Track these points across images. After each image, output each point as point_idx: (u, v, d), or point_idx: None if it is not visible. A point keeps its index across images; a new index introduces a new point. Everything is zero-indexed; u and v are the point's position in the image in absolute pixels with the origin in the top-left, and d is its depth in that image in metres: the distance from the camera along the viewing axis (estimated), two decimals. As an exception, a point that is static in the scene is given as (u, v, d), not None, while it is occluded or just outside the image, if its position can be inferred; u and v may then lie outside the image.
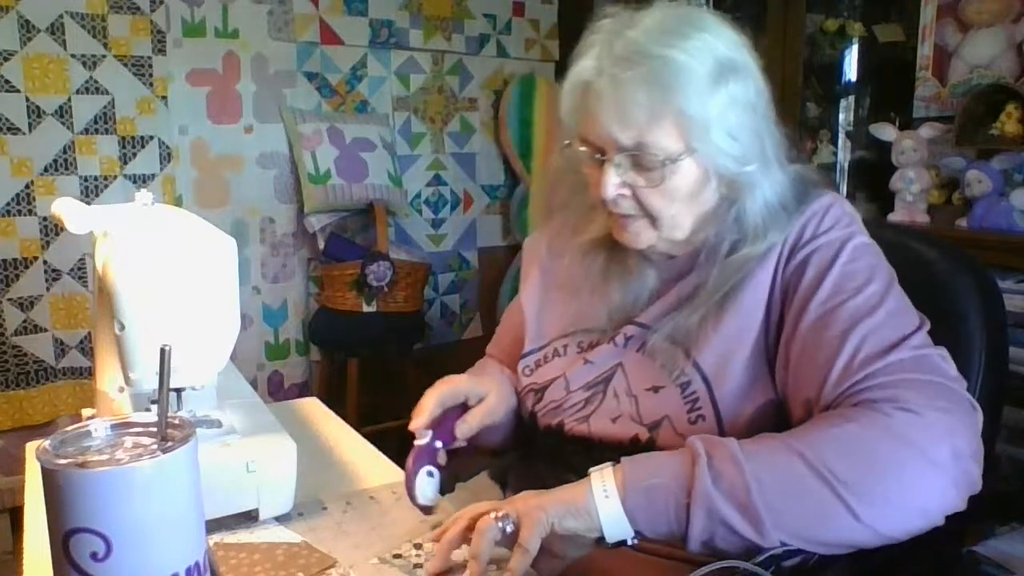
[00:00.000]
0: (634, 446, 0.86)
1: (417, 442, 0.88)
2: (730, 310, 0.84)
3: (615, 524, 0.73)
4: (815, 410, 0.79)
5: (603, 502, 0.73)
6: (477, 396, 0.94)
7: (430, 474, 0.87)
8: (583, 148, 0.88)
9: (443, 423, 0.90)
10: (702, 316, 0.85)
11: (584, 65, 0.85)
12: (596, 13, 0.87)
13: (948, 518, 0.73)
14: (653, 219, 0.87)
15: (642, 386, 0.88)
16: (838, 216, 0.86)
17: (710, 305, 0.85)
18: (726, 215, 0.88)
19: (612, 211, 0.89)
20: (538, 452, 1.00)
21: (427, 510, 0.87)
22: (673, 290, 0.90)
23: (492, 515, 0.75)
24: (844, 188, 2.63)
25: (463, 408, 0.93)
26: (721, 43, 0.83)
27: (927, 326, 0.80)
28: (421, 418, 0.88)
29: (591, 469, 0.76)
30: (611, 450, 0.87)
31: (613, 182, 0.85)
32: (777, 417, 0.83)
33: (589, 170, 0.89)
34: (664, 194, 0.85)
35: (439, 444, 0.89)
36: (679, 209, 0.87)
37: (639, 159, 0.84)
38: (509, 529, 0.74)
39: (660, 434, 0.85)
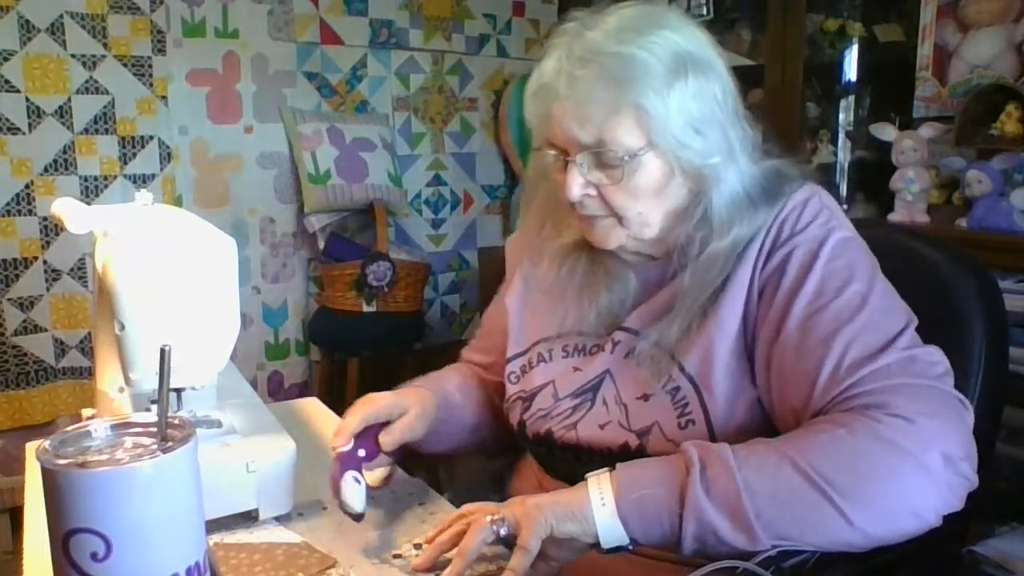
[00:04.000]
0: (624, 452, 0.86)
1: (339, 449, 0.87)
2: (712, 312, 0.84)
3: (610, 531, 0.73)
4: (803, 417, 0.78)
5: (600, 509, 0.73)
6: (400, 412, 0.92)
7: (356, 480, 0.85)
8: (551, 152, 0.87)
9: (366, 436, 0.89)
10: (688, 321, 0.84)
11: (544, 68, 0.85)
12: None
13: (948, 518, 0.73)
14: (620, 218, 0.86)
15: (632, 395, 0.87)
16: (817, 210, 0.84)
17: (695, 310, 0.84)
18: (695, 211, 0.86)
19: (580, 212, 0.88)
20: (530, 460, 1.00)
21: (357, 517, 0.84)
22: (658, 295, 0.89)
23: (488, 518, 0.75)
24: (844, 188, 2.63)
25: (387, 424, 0.92)
26: (681, 38, 0.82)
27: (914, 322, 0.80)
28: (341, 436, 0.87)
29: (588, 475, 0.76)
30: (601, 456, 0.87)
31: (577, 182, 0.84)
32: (764, 415, 0.83)
33: (558, 174, 0.88)
34: (628, 191, 0.84)
35: (362, 452, 0.88)
36: (646, 207, 0.85)
37: (601, 157, 0.83)
38: (503, 532, 0.75)
39: (650, 440, 0.85)
